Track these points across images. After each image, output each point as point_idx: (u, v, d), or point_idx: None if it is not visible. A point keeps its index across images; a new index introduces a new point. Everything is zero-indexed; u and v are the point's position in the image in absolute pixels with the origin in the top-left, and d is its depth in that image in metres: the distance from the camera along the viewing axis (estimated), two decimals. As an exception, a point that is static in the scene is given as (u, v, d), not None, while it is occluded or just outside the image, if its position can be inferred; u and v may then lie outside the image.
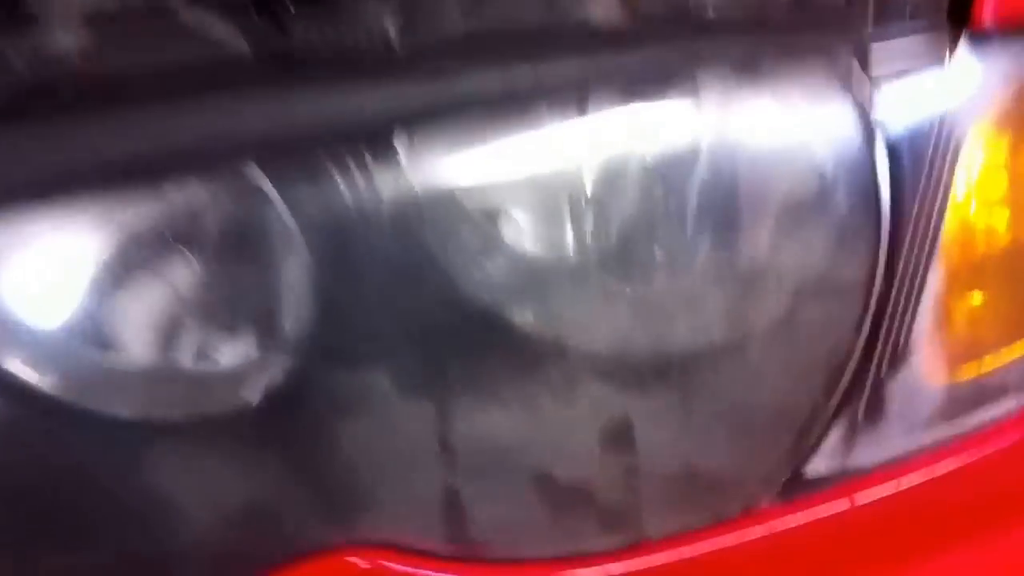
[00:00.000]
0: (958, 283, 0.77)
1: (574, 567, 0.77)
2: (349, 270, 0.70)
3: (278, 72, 0.69)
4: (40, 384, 0.70)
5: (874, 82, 0.71)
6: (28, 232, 0.68)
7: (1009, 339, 0.81)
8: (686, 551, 0.78)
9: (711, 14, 0.70)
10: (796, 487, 0.79)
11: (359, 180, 0.69)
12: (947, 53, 0.71)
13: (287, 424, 0.72)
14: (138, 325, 0.72)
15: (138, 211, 0.69)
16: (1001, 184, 0.76)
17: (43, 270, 0.69)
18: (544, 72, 0.69)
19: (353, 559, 0.74)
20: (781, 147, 0.71)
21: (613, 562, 0.77)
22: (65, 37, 0.70)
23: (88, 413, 0.71)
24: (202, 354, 0.73)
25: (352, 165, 0.69)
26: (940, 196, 0.73)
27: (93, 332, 0.71)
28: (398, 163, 0.69)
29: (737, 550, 0.79)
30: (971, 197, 0.75)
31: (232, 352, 0.72)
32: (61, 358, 0.70)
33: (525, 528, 0.76)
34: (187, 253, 0.70)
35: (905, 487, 0.80)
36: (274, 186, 0.68)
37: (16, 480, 0.72)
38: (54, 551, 0.74)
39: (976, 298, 0.78)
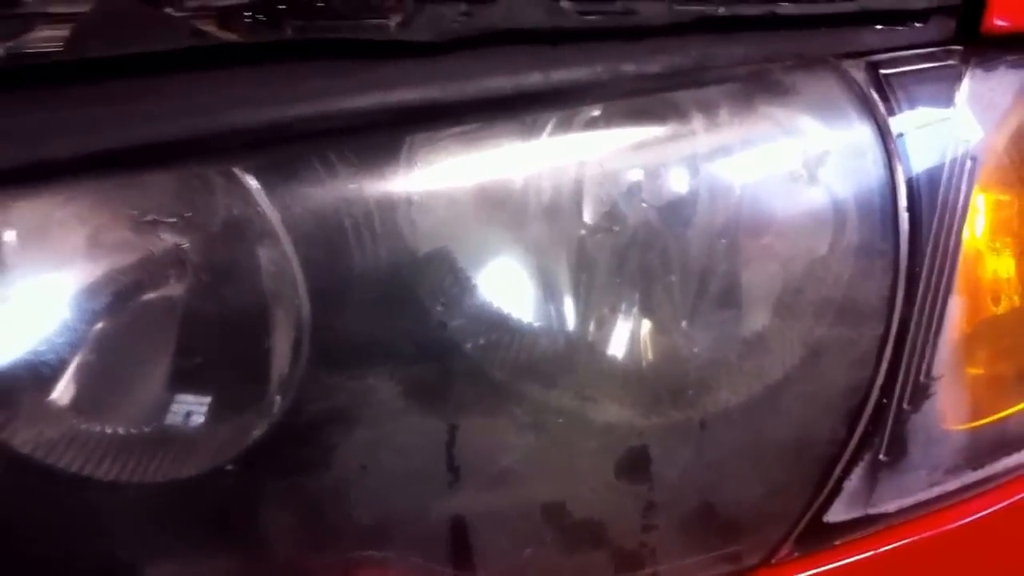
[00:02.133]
0: (978, 311, 0.75)
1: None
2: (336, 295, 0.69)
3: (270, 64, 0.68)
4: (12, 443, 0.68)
5: (889, 100, 0.71)
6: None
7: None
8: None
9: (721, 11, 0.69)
10: (816, 534, 0.75)
11: (350, 183, 0.68)
12: (960, 69, 0.71)
13: (285, 456, 0.69)
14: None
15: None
16: (1009, 210, 0.75)
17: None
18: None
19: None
20: (794, 165, 0.70)
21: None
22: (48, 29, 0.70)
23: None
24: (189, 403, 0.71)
25: (343, 165, 0.68)
26: (958, 216, 0.72)
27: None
28: (394, 167, 0.68)
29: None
30: (988, 220, 0.74)
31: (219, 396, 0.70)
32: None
33: (535, 569, 0.71)
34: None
35: (931, 536, 0.76)
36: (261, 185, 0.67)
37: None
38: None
39: (999, 331, 0.76)
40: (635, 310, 0.70)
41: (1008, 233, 0.78)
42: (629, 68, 0.69)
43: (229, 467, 0.70)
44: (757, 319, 0.70)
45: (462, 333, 0.70)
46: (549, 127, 0.71)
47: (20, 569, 0.71)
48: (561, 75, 0.69)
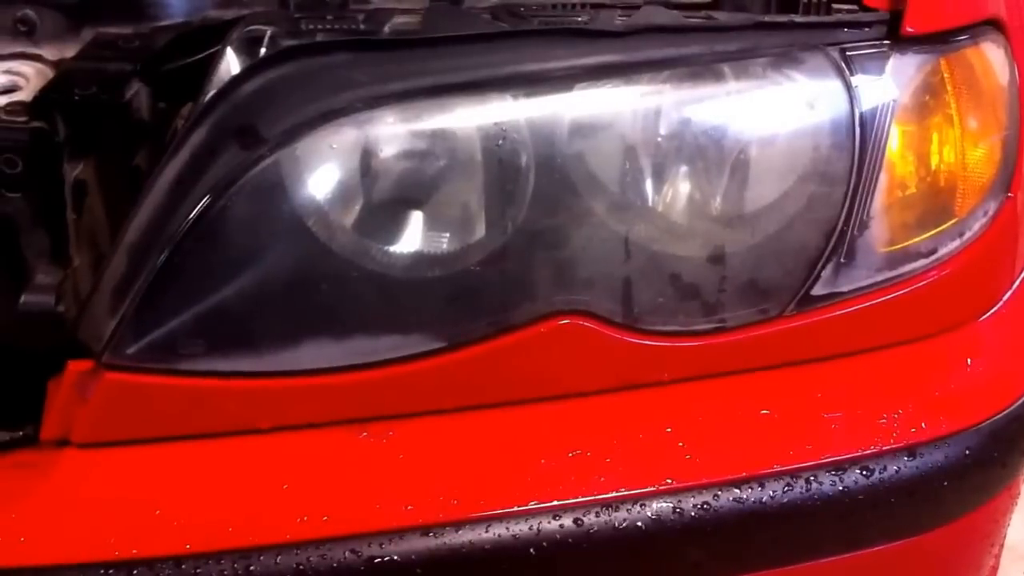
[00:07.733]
0: (893, 186, 1.38)
1: (684, 340, 1.35)
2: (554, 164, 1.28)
3: (521, 40, 1.27)
4: (326, 241, 1.22)
5: (851, 68, 1.34)
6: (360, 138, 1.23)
7: (922, 229, 1.43)
8: (749, 333, 1.36)
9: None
10: (807, 301, 1.38)
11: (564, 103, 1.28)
12: (888, 53, 1.35)
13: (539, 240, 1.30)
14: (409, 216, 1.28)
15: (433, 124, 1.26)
16: (913, 133, 1.40)
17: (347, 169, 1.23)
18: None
19: (564, 320, 1.31)
20: (804, 100, 1.33)
21: (711, 340, 1.36)
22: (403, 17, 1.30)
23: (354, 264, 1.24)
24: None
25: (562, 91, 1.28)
26: (885, 132, 1.35)
27: (371, 228, 1.26)
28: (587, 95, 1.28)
29: (774, 336, 1.37)
30: (900, 139, 1.38)
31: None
32: (344, 237, 1.24)
33: (662, 308, 1.33)
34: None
35: (864, 306, 1.41)
36: (521, 111, 1.26)
37: (304, 287, 1.23)
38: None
39: (902, 200, 1.41)
40: (714, 180, 1.33)
41: (910, 147, 1.41)
42: (719, 47, 1.31)
43: (476, 268, 1.29)
44: (785, 182, 1.32)
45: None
46: (666, 75, 1.32)
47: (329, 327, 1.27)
48: (680, 50, 1.31)
